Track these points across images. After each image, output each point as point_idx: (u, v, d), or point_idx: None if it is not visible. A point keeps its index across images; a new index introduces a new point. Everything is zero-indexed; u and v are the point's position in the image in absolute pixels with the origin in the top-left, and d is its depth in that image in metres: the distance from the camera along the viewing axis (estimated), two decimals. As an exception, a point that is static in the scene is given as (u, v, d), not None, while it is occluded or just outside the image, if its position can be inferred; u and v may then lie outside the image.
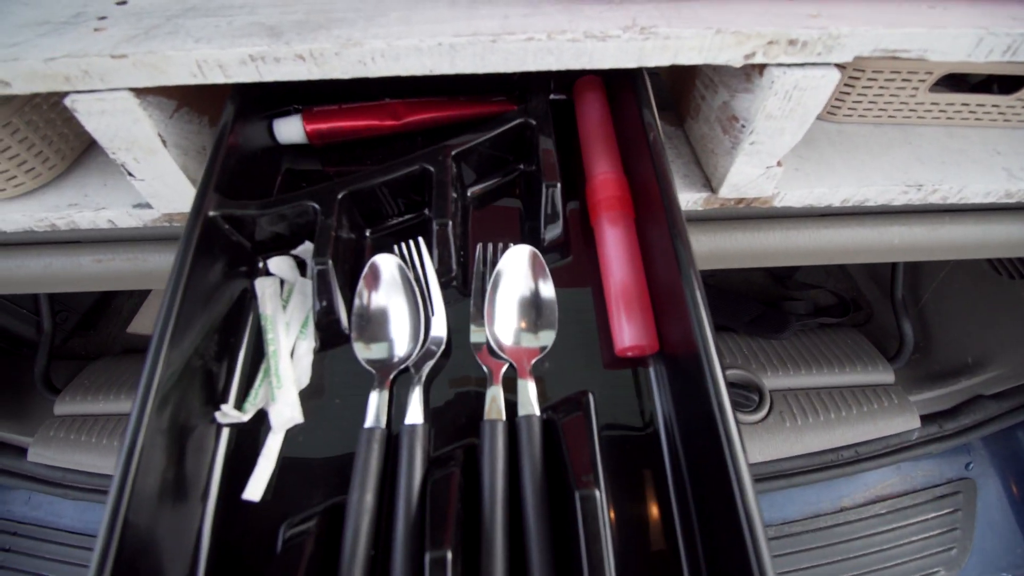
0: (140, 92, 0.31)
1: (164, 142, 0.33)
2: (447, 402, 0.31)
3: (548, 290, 0.33)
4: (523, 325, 0.32)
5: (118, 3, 0.34)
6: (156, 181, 0.35)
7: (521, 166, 0.41)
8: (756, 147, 0.35)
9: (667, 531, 0.26)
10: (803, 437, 0.67)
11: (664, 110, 0.46)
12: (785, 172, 0.40)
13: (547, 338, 0.32)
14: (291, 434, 0.30)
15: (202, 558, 0.26)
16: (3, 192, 0.38)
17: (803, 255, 0.43)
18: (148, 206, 0.38)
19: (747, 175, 0.37)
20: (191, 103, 0.36)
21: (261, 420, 0.30)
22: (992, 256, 0.56)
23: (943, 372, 0.77)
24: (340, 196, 0.33)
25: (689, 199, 0.39)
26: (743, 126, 0.34)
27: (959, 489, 0.74)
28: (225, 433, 0.30)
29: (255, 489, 0.28)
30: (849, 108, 0.43)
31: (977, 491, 0.75)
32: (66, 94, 0.31)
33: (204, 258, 0.30)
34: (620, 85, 0.40)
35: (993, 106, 0.43)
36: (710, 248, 0.42)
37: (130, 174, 0.35)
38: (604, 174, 0.36)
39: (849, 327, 0.81)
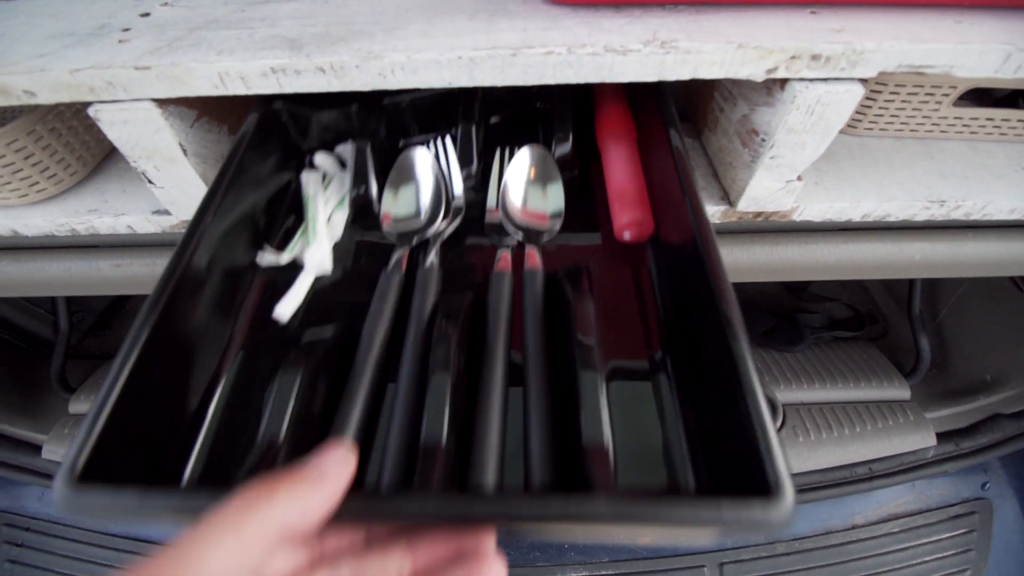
0: (162, 103, 0.31)
1: (185, 151, 0.33)
2: (460, 270, 0.35)
3: (556, 177, 0.38)
4: (532, 203, 0.37)
5: (142, 15, 0.34)
6: (175, 189, 0.36)
7: (539, 103, 0.46)
8: (776, 161, 0.34)
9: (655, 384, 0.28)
10: (816, 452, 0.66)
11: (680, 121, 0.46)
12: (804, 186, 0.39)
13: (555, 211, 0.37)
14: (319, 283, 0.34)
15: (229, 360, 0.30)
16: (25, 197, 0.39)
17: (822, 270, 0.42)
18: (167, 213, 0.39)
19: (766, 189, 0.37)
20: (211, 113, 0.36)
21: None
22: (1017, 274, 0.54)
23: (961, 389, 0.75)
24: (384, 103, 0.42)
25: (707, 212, 0.39)
26: (763, 140, 0.34)
27: (975, 509, 0.73)
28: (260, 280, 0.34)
29: (285, 309, 0.31)
30: (870, 121, 0.43)
31: (993, 512, 0.73)
32: (89, 104, 0.31)
33: (260, 144, 0.35)
34: (641, 93, 0.40)
35: (1019, 121, 0.42)
36: (727, 261, 0.41)
37: (150, 182, 0.35)
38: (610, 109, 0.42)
39: (864, 341, 0.80)
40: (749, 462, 0.19)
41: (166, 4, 0.35)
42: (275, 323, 0.31)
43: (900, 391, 0.71)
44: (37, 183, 0.38)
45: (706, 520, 0.18)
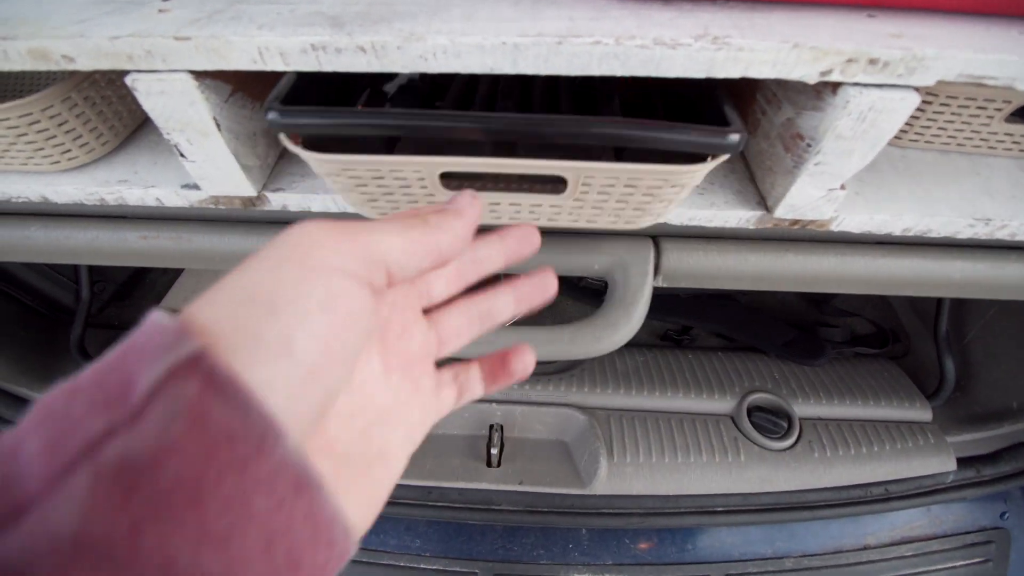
0: (199, 75, 0.31)
1: (218, 126, 0.33)
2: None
3: None
4: None
5: (182, -16, 0.34)
6: (207, 164, 0.36)
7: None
8: (821, 168, 0.33)
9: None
10: (831, 469, 0.65)
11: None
12: (845, 195, 0.38)
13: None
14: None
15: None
16: (57, 164, 0.39)
17: (857, 283, 0.41)
18: (196, 187, 0.38)
19: (808, 196, 0.35)
20: (246, 88, 0.36)
21: None
22: (1061, 299, 0.53)
23: (985, 414, 0.73)
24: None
25: (742, 217, 0.38)
26: (808, 145, 0.33)
27: (992, 539, 0.71)
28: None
29: None
30: (916, 133, 0.41)
31: (1011, 542, 0.71)
32: (126, 72, 0.31)
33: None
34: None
35: (1074, 141, 0.40)
36: (759, 268, 0.40)
37: (182, 155, 0.35)
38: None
39: (886, 359, 0.78)
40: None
41: (206, -25, 0.35)
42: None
43: (921, 412, 0.70)
44: (69, 151, 0.38)
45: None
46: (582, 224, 0.35)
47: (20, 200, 0.40)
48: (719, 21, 0.29)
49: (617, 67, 0.29)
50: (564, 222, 0.35)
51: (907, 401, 0.70)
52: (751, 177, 0.40)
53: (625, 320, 0.38)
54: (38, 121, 0.35)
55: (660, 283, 0.40)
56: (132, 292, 0.82)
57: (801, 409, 0.68)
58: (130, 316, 0.80)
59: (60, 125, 0.37)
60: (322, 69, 0.30)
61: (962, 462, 0.68)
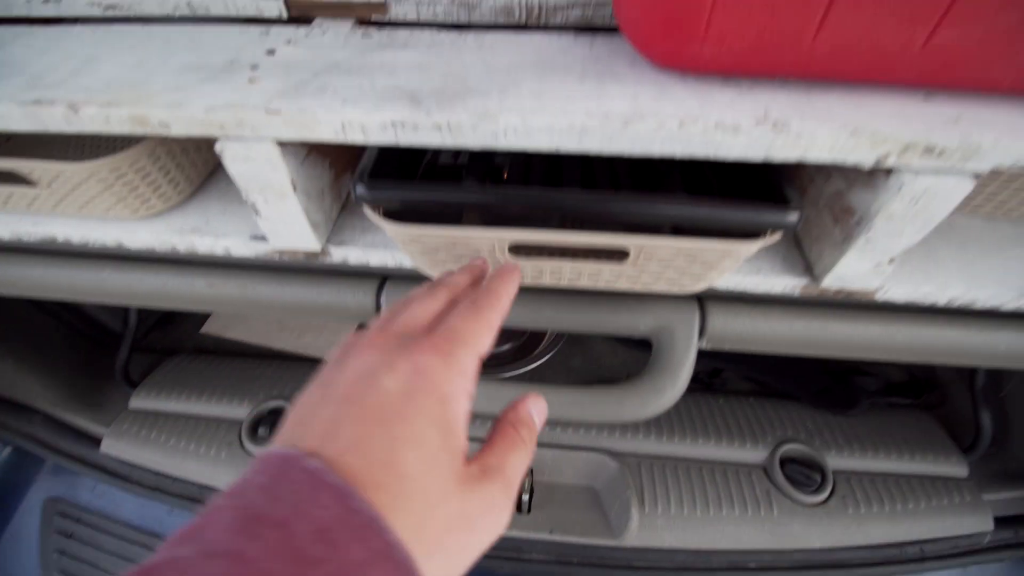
0: (283, 143, 0.33)
1: (295, 187, 0.35)
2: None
3: None
4: None
5: (268, 52, 0.37)
6: (278, 221, 0.38)
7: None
8: (871, 244, 0.34)
9: None
10: (865, 526, 0.64)
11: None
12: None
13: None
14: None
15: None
16: (136, 213, 0.41)
17: (902, 352, 0.41)
18: (264, 239, 0.40)
19: (855, 269, 0.36)
20: (318, 150, 0.38)
21: None
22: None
23: (1022, 472, 0.72)
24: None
25: (788, 284, 0.39)
26: (859, 222, 0.34)
27: (1032, 603, 0.68)
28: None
29: None
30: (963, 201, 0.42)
31: (1053, 608, 0.68)
32: (216, 139, 0.33)
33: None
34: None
35: (1122, 214, 0.40)
36: (803, 335, 0.41)
37: (257, 212, 0.37)
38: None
39: (921, 409, 0.77)
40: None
41: (290, 42, 0.38)
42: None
43: (957, 468, 0.68)
44: (149, 200, 0.41)
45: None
46: (637, 288, 0.36)
47: (96, 245, 0.43)
48: (779, 102, 0.31)
49: (677, 149, 0.30)
50: (622, 286, 0.36)
51: (942, 455, 0.69)
52: (797, 243, 0.41)
53: (671, 385, 0.38)
54: (126, 174, 0.38)
55: (704, 346, 0.41)
56: (175, 318, 0.85)
57: (834, 461, 0.67)
58: (172, 341, 0.82)
59: (144, 178, 0.39)
60: (398, 143, 0.32)
61: (999, 522, 0.66)
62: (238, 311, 0.43)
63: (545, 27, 0.39)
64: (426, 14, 0.44)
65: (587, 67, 0.34)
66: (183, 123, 0.32)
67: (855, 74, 0.30)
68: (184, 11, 0.46)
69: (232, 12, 0.45)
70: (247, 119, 0.32)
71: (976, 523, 0.65)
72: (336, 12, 0.44)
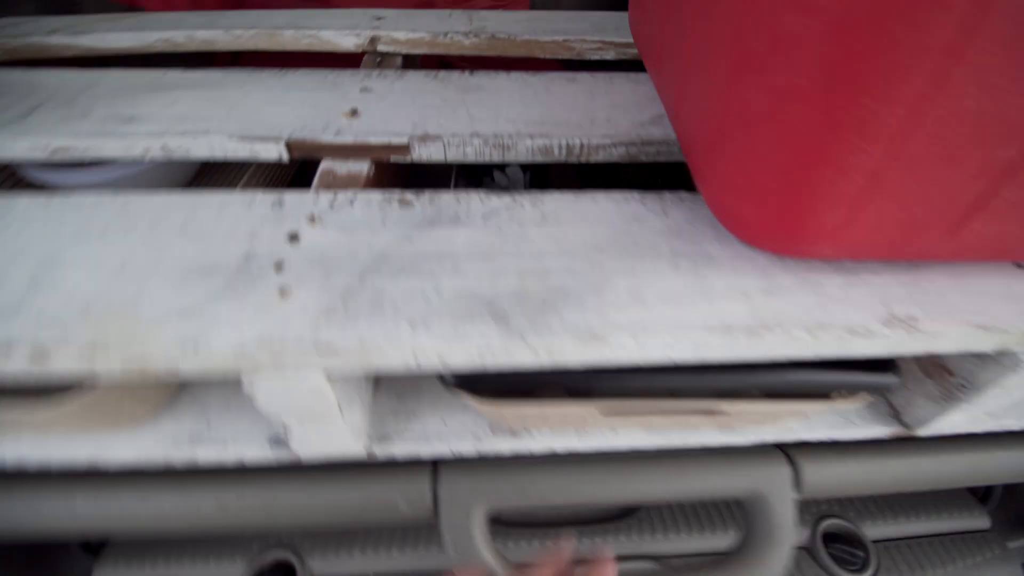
0: (333, 374, 0.27)
1: (341, 409, 0.29)
2: None
3: None
4: None
5: (290, 238, 0.30)
6: (315, 435, 0.31)
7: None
8: (974, 406, 0.33)
9: None
10: (907, 597, 0.64)
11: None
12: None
13: None
14: None
15: None
16: (116, 422, 0.33)
17: (991, 476, 0.41)
18: (285, 444, 0.33)
19: (953, 423, 0.35)
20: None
21: None
22: None
23: (1029, 512, 0.75)
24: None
25: (879, 432, 0.37)
26: (963, 386, 0.32)
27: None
28: None
29: None
30: None
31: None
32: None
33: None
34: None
35: None
36: (895, 476, 0.39)
37: (286, 431, 0.30)
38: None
39: (927, 460, 0.79)
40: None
41: (314, 220, 0.31)
42: None
43: (979, 520, 0.70)
44: (126, 408, 0.33)
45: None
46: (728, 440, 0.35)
47: (60, 466, 0.34)
48: (890, 289, 0.28)
49: (807, 352, 0.27)
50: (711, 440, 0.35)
51: (964, 509, 0.71)
52: (876, 383, 0.39)
53: (778, 556, 0.35)
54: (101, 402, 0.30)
55: (799, 496, 0.38)
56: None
57: (869, 530, 0.67)
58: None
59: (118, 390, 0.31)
60: (483, 367, 0.26)
61: (1024, 570, 0.68)
62: (257, 524, 0.35)
63: (601, 181, 0.36)
64: (454, 155, 0.38)
65: (673, 246, 0.30)
66: (200, 366, 0.25)
67: (978, 255, 0.28)
68: (156, 154, 0.38)
69: (219, 155, 0.38)
70: (288, 355, 0.25)
71: (1008, 575, 0.67)
72: (348, 154, 0.38)
